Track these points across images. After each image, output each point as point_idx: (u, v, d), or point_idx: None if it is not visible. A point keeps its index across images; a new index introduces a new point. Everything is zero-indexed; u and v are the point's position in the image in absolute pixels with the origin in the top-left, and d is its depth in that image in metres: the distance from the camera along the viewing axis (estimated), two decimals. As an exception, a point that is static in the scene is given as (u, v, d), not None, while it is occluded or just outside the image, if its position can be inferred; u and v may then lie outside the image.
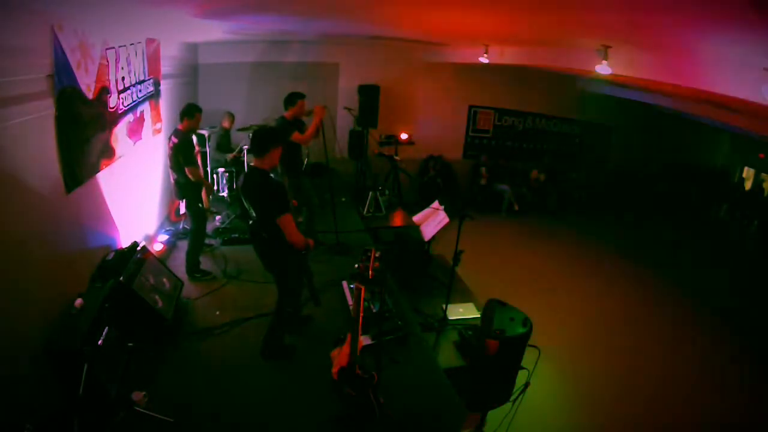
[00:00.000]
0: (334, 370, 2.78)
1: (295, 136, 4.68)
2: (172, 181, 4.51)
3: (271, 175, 3.25)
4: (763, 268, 7.31)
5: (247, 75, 8.00)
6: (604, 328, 5.37)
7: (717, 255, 8.37)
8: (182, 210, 4.95)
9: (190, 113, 4.34)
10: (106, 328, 2.86)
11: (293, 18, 4.63)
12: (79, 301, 2.94)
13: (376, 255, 2.60)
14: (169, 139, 4.36)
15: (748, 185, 10.99)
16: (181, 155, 4.25)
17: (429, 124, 9.18)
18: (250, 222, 3.27)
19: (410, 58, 8.62)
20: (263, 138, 3.10)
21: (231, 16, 4.44)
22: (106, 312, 2.96)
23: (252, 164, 3.21)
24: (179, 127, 4.36)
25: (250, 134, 6.46)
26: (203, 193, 4.55)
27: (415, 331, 3.94)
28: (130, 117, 4.33)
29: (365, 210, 7.01)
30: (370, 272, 2.55)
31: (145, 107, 4.83)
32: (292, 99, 4.75)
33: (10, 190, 2.52)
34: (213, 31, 5.78)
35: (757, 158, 11.10)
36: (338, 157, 8.18)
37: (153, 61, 4.99)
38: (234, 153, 6.81)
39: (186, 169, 4.26)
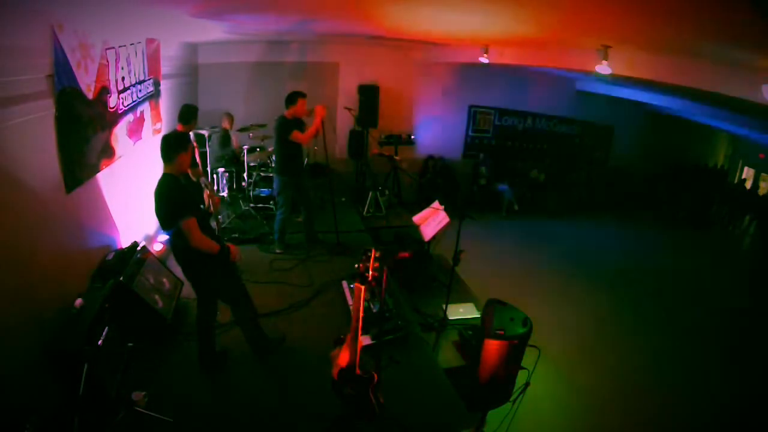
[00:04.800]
0: (334, 370, 2.77)
1: (296, 135, 4.69)
2: None
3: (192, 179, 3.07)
4: (763, 269, 7.31)
5: (246, 75, 8.00)
6: (603, 328, 5.38)
7: (717, 256, 8.37)
8: None
9: (188, 118, 4.31)
10: (106, 328, 2.86)
11: (291, 18, 4.63)
12: (79, 301, 2.93)
13: (376, 255, 2.59)
14: None
15: (747, 185, 10.99)
16: None
17: (429, 124, 9.18)
18: None
19: (410, 58, 8.61)
20: (170, 144, 2.90)
21: (229, 15, 4.43)
22: (106, 312, 2.95)
23: (164, 171, 2.93)
24: (178, 128, 4.33)
25: (251, 134, 6.51)
26: (206, 196, 4.53)
27: (415, 331, 3.94)
28: (130, 117, 4.32)
29: (365, 210, 7.01)
30: (370, 272, 2.55)
31: (145, 107, 4.82)
32: (292, 98, 4.76)
33: (10, 190, 2.52)
34: (213, 31, 5.78)
35: (757, 158, 11.11)
36: (338, 157, 8.20)
37: (153, 61, 4.98)
38: (237, 145, 6.86)
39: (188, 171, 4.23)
